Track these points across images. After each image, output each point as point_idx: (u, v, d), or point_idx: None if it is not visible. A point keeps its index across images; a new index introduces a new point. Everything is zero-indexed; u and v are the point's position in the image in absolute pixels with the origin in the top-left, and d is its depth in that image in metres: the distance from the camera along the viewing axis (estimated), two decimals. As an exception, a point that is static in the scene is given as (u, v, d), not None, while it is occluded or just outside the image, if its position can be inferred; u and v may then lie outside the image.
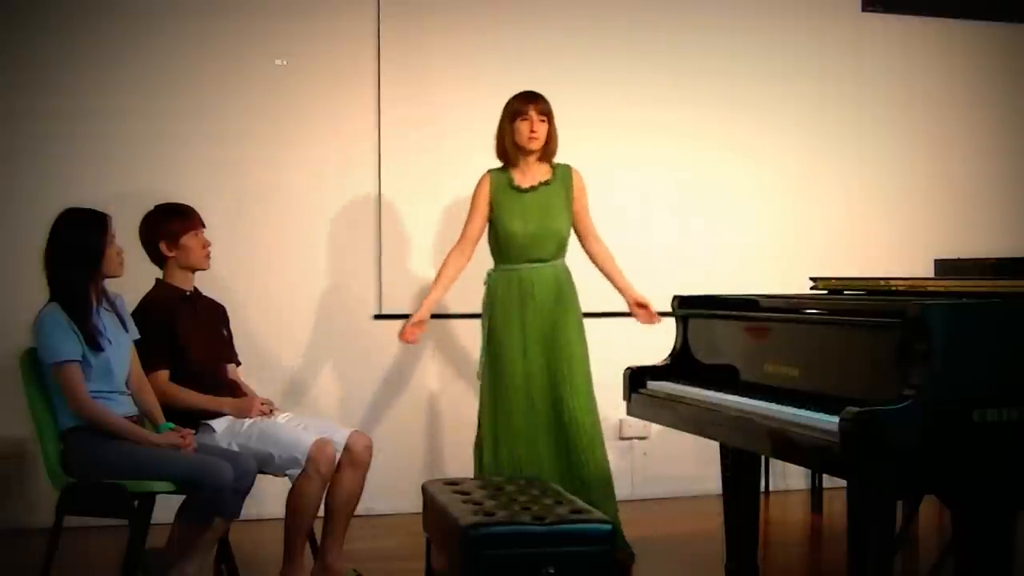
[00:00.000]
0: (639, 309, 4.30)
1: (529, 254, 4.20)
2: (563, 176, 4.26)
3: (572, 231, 4.29)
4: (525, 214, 4.19)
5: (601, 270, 4.36)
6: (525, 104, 4.18)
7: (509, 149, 4.24)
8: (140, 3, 4.94)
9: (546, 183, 4.23)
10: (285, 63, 5.08)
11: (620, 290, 4.34)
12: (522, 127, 4.17)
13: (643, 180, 5.43)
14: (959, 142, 5.97)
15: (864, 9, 5.84)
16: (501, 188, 4.24)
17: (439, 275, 4.31)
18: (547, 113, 4.19)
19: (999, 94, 6.05)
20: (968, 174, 5.97)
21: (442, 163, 5.20)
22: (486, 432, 4.22)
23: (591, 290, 4.39)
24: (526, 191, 4.22)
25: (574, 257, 4.35)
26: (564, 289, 4.22)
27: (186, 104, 4.95)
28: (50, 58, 4.83)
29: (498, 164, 4.31)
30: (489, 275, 4.30)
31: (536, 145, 4.19)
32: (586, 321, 4.29)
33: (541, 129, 4.17)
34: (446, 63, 5.23)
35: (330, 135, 5.14)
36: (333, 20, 5.13)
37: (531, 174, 4.24)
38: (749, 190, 5.64)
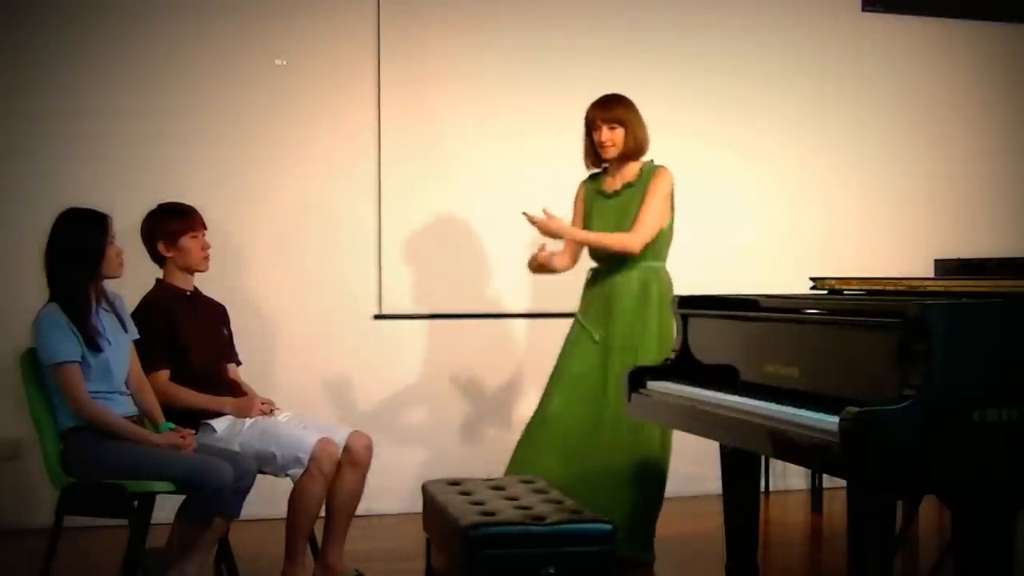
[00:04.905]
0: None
1: (612, 256, 4.14)
2: (646, 176, 4.17)
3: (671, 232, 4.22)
4: (605, 218, 4.17)
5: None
6: (593, 114, 4.15)
7: (592, 158, 4.22)
8: (140, 3, 4.93)
9: (630, 185, 4.17)
10: (285, 63, 5.08)
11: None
12: (595, 137, 4.15)
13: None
14: (959, 142, 5.97)
15: (864, 9, 5.84)
16: (591, 194, 4.26)
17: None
18: (617, 119, 4.11)
19: (999, 94, 6.06)
20: (968, 174, 5.97)
21: (442, 163, 5.20)
22: (537, 414, 4.21)
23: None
24: (610, 196, 4.20)
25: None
26: (650, 293, 4.12)
27: (186, 104, 4.95)
28: (50, 58, 4.83)
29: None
30: (589, 272, 4.27)
31: (611, 154, 4.14)
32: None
33: (613, 137, 4.11)
34: (446, 63, 5.23)
35: (330, 135, 5.13)
36: (333, 20, 5.13)
37: (619, 177, 4.21)
38: (749, 190, 5.64)
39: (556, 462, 4.06)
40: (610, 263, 4.16)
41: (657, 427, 4.09)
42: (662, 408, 3.31)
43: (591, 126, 4.16)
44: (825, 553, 4.66)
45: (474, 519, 3.00)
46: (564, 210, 4.26)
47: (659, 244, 4.17)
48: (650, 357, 4.01)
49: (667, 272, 4.20)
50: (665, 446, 4.16)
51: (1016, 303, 2.49)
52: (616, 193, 4.19)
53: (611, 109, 4.13)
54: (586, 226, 4.22)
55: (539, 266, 4.23)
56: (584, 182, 4.30)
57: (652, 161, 4.21)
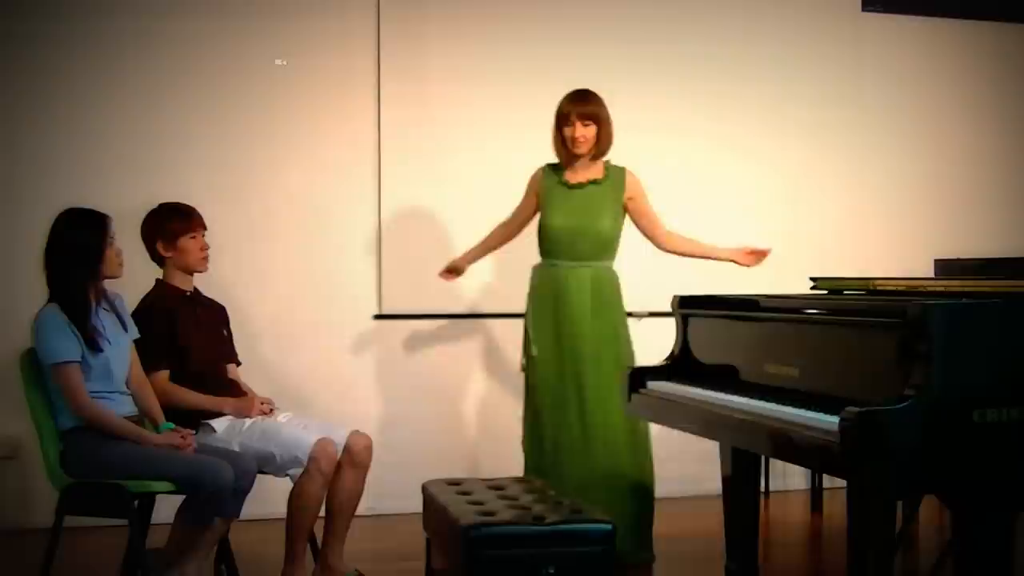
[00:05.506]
0: (747, 256, 4.27)
1: (568, 251, 4.13)
2: (615, 178, 4.18)
3: (621, 235, 4.23)
4: (568, 210, 4.14)
5: (686, 255, 4.31)
6: (568, 108, 4.12)
7: (559, 151, 4.20)
8: (140, 3, 4.94)
9: (596, 182, 4.16)
10: (285, 63, 5.08)
11: (712, 256, 4.28)
12: (567, 132, 4.12)
13: (642, 180, 5.42)
14: (959, 142, 5.97)
15: (864, 9, 5.84)
16: (551, 184, 4.21)
17: (484, 239, 4.39)
18: (592, 116, 4.10)
19: (999, 94, 6.06)
20: (968, 174, 5.97)
21: (442, 163, 5.20)
22: (525, 429, 4.22)
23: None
24: (573, 187, 4.16)
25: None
26: (604, 293, 4.13)
27: (186, 104, 4.95)
28: (50, 58, 4.83)
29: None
30: (533, 271, 4.26)
31: (582, 150, 4.12)
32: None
33: (586, 133, 4.09)
34: (446, 63, 5.23)
35: (330, 135, 5.14)
36: (333, 20, 5.14)
37: (581, 172, 4.18)
38: (749, 190, 5.63)
39: (556, 464, 4.07)
40: (563, 259, 4.13)
41: (633, 427, 4.10)
42: (662, 408, 3.31)
43: (564, 120, 4.13)
44: (825, 553, 4.66)
45: (474, 519, 3.00)
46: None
47: (614, 244, 4.20)
48: (614, 359, 4.04)
49: (615, 271, 4.20)
50: (646, 442, 4.17)
51: (1016, 303, 2.48)
52: (580, 186, 4.16)
53: (586, 105, 4.12)
54: (544, 215, 4.19)
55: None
56: (543, 169, 4.26)
57: (610, 160, 4.21)
